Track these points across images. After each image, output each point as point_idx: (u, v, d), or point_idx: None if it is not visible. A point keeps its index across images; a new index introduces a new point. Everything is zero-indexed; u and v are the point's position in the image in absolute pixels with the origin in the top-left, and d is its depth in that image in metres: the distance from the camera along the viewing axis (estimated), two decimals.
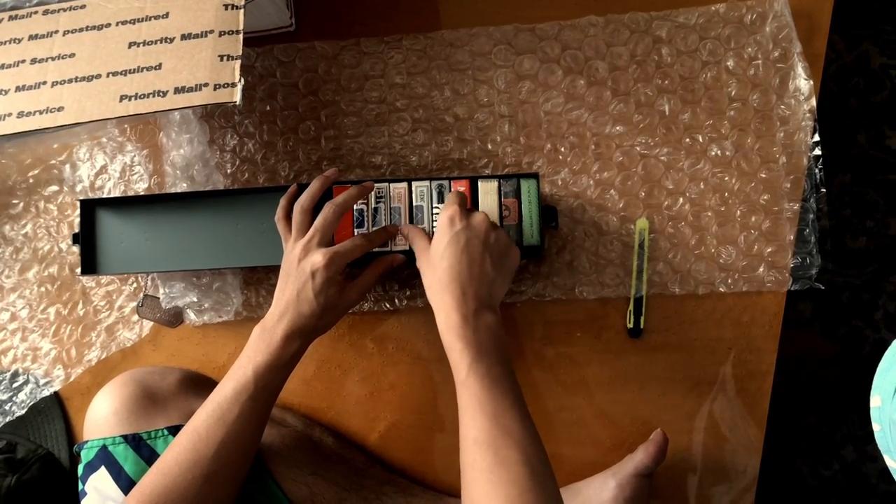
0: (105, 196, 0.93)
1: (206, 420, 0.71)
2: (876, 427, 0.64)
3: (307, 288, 0.74)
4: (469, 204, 0.81)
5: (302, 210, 0.79)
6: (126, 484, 0.76)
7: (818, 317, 1.39)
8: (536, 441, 0.65)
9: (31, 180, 0.95)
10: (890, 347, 0.64)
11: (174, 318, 0.92)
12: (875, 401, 0.64)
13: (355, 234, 0.82)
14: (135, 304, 0.92)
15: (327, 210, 0.78)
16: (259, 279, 0.91)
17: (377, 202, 0.82)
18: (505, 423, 0.65)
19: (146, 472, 0.76)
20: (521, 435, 0.64)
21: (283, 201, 0.81)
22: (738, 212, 0.87)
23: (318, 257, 0.75)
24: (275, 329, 0.74)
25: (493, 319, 0.71)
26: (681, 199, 0.88)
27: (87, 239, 0.87)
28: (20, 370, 0.93)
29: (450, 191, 0.82)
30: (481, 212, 0.76)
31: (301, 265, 0.75)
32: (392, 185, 0.82)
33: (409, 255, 0.81)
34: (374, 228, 0.82)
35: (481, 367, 0.68)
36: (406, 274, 0.90)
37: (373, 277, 0.81)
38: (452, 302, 0.70)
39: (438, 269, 0.73)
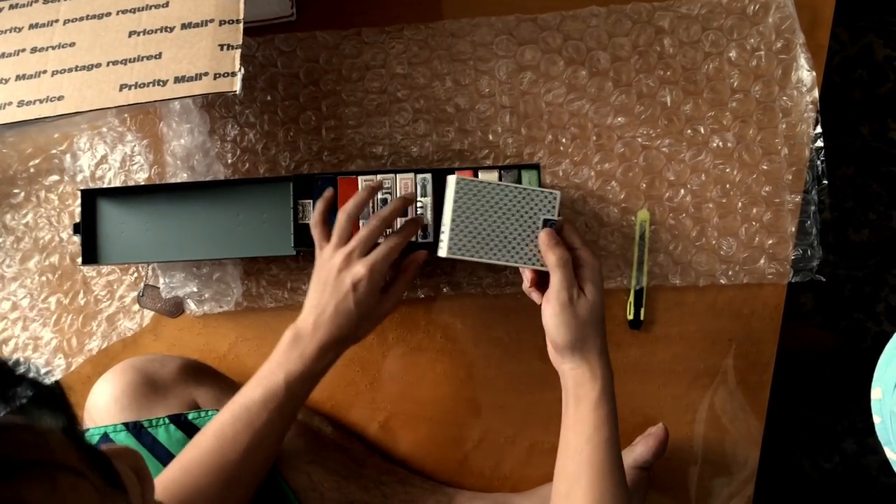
0: (106, 186, 0.93)
1: (233, 423, 0.71)
2: (877, 419, 0.64)
3: (348, 300, 0.73)
4: None
5: (349, 218, 0.76)
6: None
7: (819, 309, 1.39)
8: None
9: (31, 170, 0.95)
10: (892, 339, 0.64)
11: (175, 308, 0.92)
12: (876, 393, 0.64)
13: (360, 225, 0.81)
14: (135, 293, 0.92)
15: (373, 222, 0.76)
16: (259, 269, 0.91)
17: (384, 193, 0.82)
18: (624, 496, 0.68)
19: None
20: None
21: (320, 205, 0.79)
22: (740, 203, 0.87)
23: (359, 268, 0.74)
24: (310, 339, 0.73)
25: None
26: (682, 191, 0.88)
27: (87, 229, 0.87)
28: (21, 359, 0.92)
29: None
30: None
31: (341, 276, 0.74)
32: (399, 176, 0.82)
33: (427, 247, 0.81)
34: (404, 221, 0.80)
35: (617, 435, 0.70)
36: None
37: (405, 284, 0.79)
38: (608, 361, 0.72)
39: (599, 330, 0.72)
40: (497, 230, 0.74)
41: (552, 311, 0.71)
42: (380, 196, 0.82)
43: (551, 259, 0.72)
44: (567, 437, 0.70)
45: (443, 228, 0.75)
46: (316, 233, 0.78)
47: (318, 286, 0.76)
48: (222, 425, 0.71)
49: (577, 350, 0.70)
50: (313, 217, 0.79)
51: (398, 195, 0.81)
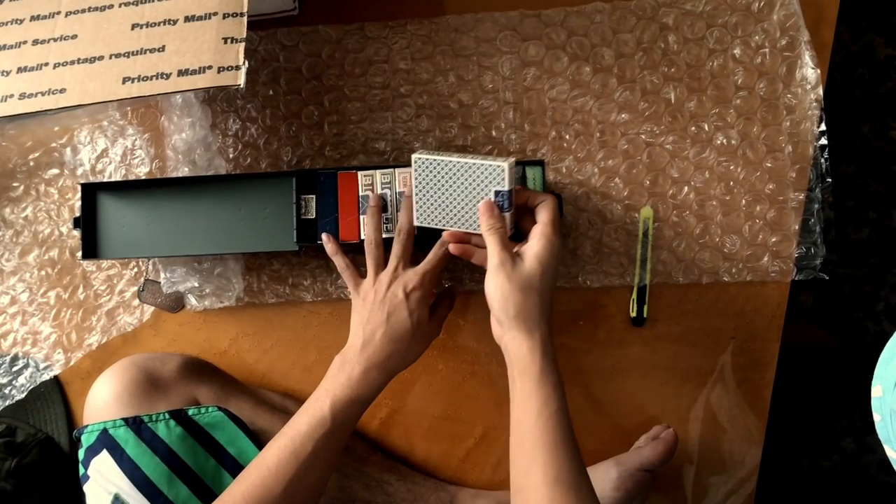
0: (106, 180, 0.92)
1: (277, 454, 0.69)
2: (876, 417, 0.64)
3: (400, 310, 0.73)
4: None
5: (377, 245, 0.78)
6: (129, 466, 0.76)
7: (820, 308, 1.39)
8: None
9: (31, 163, 0.94)
10: (892, 337, 0.64)
11: (175, 303, 0.91)
12: (876, 391, 0.64)
13: (361, 220, 0.81)
14: (136, 288, 0.92)
15: (402, 238, 0.77)
16: (261, 265, 0.91)
17: (383, 188, 0.81)
18: (580, 464, 0.65)
19: (147, 455, 0.76)
20: (588, 478, 0.66)
21: (335, 248, 0.80)
22: (744, 201, 0.87)
23: (410, 276, 0.74)
24: (358, 360, 0.72)
25: None
26: (686, 188, 0.88)
27: (88, 223, 0.86)
28: (20, 354, 0.92)
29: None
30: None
31: (392, 289, 0.74)
32: (398, 171, 0.82)
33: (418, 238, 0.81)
34: (445, 234, 0.78)
35: (566, 403, 0.67)
36: None
37: (447, 308, 0.80)
38: (544, 335, 0.68)
39: (542, 295, 0.69)
40: (455, 201, 0.76)
41: (487, 278, 0.70)
42: (378, 192, 0.81)
43: (483, 227, 0.72)
44: (517, 414, 0.68)
45: None
46: (347, 275, 0.79)
47: (363, 310, 0.75)
48: (266, 458, 0.70)
49: (514, 319, 0.68)
50: (338, 261, 0.79)
51: (397, 191, 0.81)
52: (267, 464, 0.69)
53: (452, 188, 0.76)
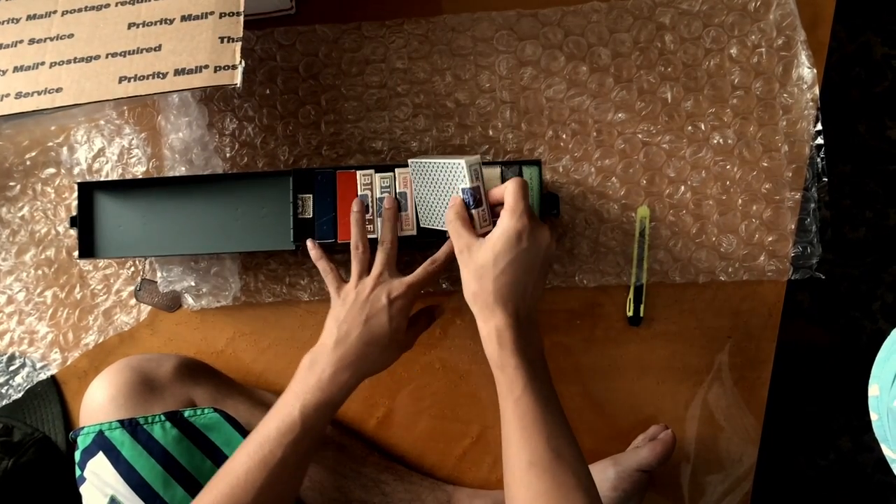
0: (103, 179, 0.92)
1: (245, 462, 0.67)
2: (874, 416, 0.64)
3: (381, 314, 0.73)
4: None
5: (364, 249, 0.77)
6: (125, 468, 0.76)
7: (816, 307, 1.39)
8: (585, 463, 0.65)
9: (28, 162, 0.94)
10: (889, 337, 0.64)
11: (172, 302, 0.91)
12: (873, 390, 0.64)
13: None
14: (132, 288, 0.92)
15: (386, 246, 0.77)
16: (258, 264, 0.91)
17: (383, 191, 0.81)
18: (558, 446, 0.64)
19: (143, 456, 0.76)
20: (572, 458, 0.64)
21: (323, 258, 0.79)
22: (740, 200, 0.87)
23: (397, 284, 0.74)
24: (328, 361, 0.71)
25: (540, 338, 0.70)
26: (682, 188, 0.88)
27: (84, 222, 0.86)
28: (17, 353, 0.92)
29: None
30: (545, 225, 0.71)
31: (375, 293, 0.74)
32: (398, 171, 0.82)
33: (414, 241, 0.81)
34: (441, 249, 0.78)
35: (535, 386, 0.66)
36: (405, 261, 0.89)
37: (424, 326, 0.80)
38: (507, 319, 0.67)
39: (496, 281, 0.68)
40: (438, 201, 0.77)
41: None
42: (378, 194, 0.81)
43: (445, 221, 0.73)
44: (498, 401, 0.68)
45: None
46: (330, 278, 0.78)
47: (341, 309, 0.74)
48: (234, 466, 0.68)
49: (473, 305, 0.69)
50: (321, 265, 0.79)
51: (397, 191, 0.81)
52: (235, 472, 0.67)
53: (437, 188, 0.77)
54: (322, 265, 0.79)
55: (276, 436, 0.68)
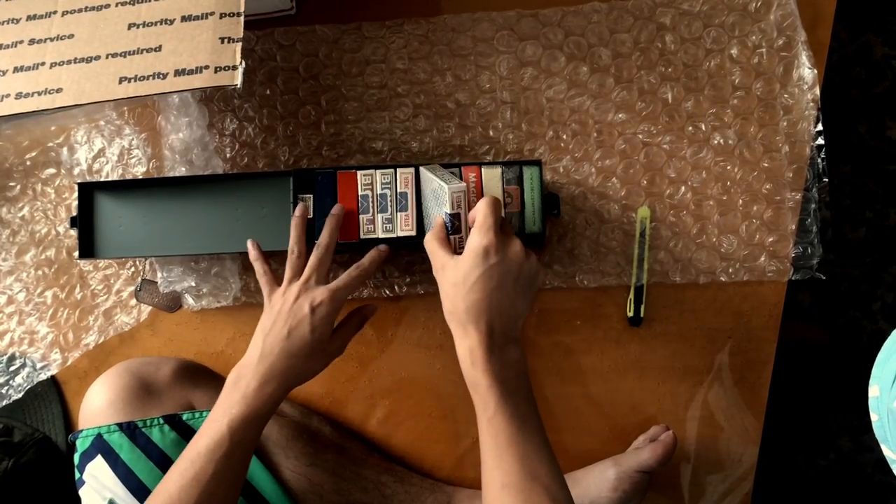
0: (103, 180, 0.92)
1: (178, 480, 0.67)
2: (874, 417, 0.64)
3: (303, 325, 0.72)
4: (479, 190, 0.80)
5: (299, 254, 0.76)
6: (123, 472, 0.76)
7: (816, 307, 1.39)
8: (563, 484, 0.64)
9: (28, 163, 0.94)
10: (889, 337, 0.64)
11: (172, 302, 0.91)
12: (873, 391, 0.64)
13: (360, 220, 0.81)
14: (133, 288, 0.92)
15: (319, 251, 0.76)
16: None
17: (383, 188, 0.81)
18: (533, 467, 0.63)
19: (141, 460, 0.76)
20: (548, 479, 0.63)
21: (260, 259, 0.78)
22: (740, 201, 0.87)
23: (320, 292, 0.73)
24: (253, 375, 0.70)
25: (518, 355, 0.68)
26: (683, 188, 0.88)
27: (84, 222, 0.86)
28: (17, 354, 0.92)
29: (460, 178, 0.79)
30: (517, 240, 0.70)
31: (298, 302, 0.73)
32: (398, 171, 0.82)
33: (397, 245, 0.81)
34: (367, 256, 0.79)
35: (509, 406, 0.65)
36: (406, 261, 0.89)
37: (354, 329, 0.78)
38: (479, 336, 0.66)
39: (466, 298, 0.67)
40: (432, 212, 0.78)
41: None
42: (378, 191, 0.81)
43: (425, 239, 0.74)
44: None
45: None
46: (264, 281, 0.77)
47: (267, 321, 0.73)
48: (168, 486, 0.68)
49: (448, 322, 0.69)
50: (258, 268, 0.78)
51: (397, 191, 0.81)
52: (169, 490, 0.67)
53: (433, 201, 0.77)
54: (258, 266, 0.78)
55: (205, 452, 0.68)
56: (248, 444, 0.70)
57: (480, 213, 0.69)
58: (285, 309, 0.73)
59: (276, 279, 0.77)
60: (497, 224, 0.69)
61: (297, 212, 0.79)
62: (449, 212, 0.72)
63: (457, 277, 0.68)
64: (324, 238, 0.77)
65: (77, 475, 0.78)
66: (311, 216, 0.82)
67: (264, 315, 0.75)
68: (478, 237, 0.68)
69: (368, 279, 0.77)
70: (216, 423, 0.69)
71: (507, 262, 0.68)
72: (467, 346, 0.67)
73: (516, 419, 0.65)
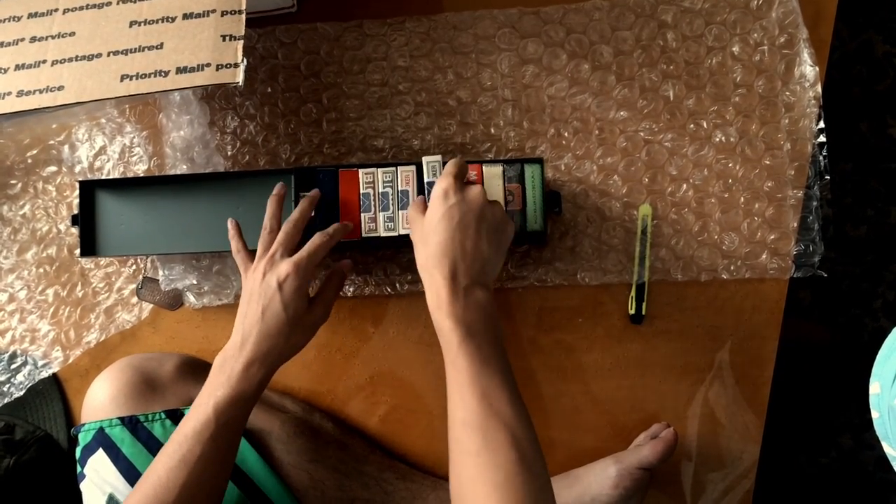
0: (104, 177, 0.92)
1: (166, 462, 0.67)
2: (875, 414, 0.64)
3: (275, 301, 0.71)
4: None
5: (271, 230, 0.76)
6: (124, 466, 0.76)
7: (818, 305, 1.39)
8: (526, 423, 0.64)
9: (29, 160, 0.94)
10: (890, 335, 0.64)
11: (174, 300, 0.91)
12: (874, 388, 0.64)
13: (362, 218, 0.81)
14: (134, 286, 0.92)
15: (287, 226, 0.76)
16: None
17: (385, 186, 0.81)
18: (494, 405, 0.63)
19: (143, 454, 0.76)
20: (509, 417, 0.63)
21: (236, 237, 0.79)
22: (742, 198, 0.87)
23: (284, 266, 0.72)
24: (237, 357, 0.70)
25: (484, 297, 0.69)
26: (684, 186, 0.88)
27: (86, 220, 0.86)
28: (18, 351, 0.92)
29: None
30: (477, 185, 0.73)
31: (266, 279, 0.72)
32: (400, 169, 0.82)
33: (399, 244, 0.81)
34: (333, 225, 0.78)
35: (471, 346, 0.66)
36: (407, 259, 0.89)
37: (334, 291, 0.78)
38: (442, 278, 0.68)
39: (430, 243, 0.70)
40: None
41: None
42: (380, 190, 0.81)
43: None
44: None
45: None
46: (239, 259, 0.77)
47: (243, 304, 0.73)
48: (156, 468, 0.68)
49: (423, 272, 0.71)
50: (232, 245, 0.78)
51: (399, 189, 0.81)
52: (157, 473, 0.67)
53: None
54: (234, 244, 0.78)
55: (192, 434, 0.68)
56: (234, 425, 0.70)
57: (444, 169, 0.73)
58: (256, 288, 0.73)
59: (251, 257, 0.77)
60: (457, 172, 0.73)
61: (275, 190, 0.79)
62: (427, 180, 0.78)
63: (425, 228, 0.71)
64: (294, 213, 0.77)
65: (78, 469, 0.78)
66: (313, 214, 0.82)
67: (242, 295, 0.75)
68: (438, 184, 0.72)
69: (333, 244, 0.76)
70: (202, 405, 0.69)
71: (468, 201, 0.71)
72: (434, 290, 0.69)
73: (478, 359, 0.65)
